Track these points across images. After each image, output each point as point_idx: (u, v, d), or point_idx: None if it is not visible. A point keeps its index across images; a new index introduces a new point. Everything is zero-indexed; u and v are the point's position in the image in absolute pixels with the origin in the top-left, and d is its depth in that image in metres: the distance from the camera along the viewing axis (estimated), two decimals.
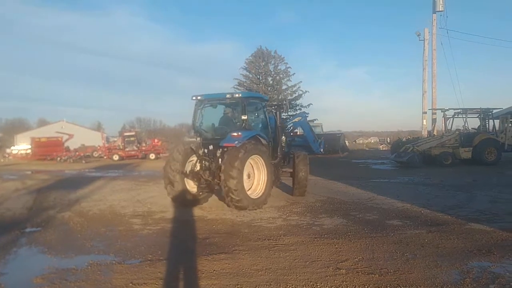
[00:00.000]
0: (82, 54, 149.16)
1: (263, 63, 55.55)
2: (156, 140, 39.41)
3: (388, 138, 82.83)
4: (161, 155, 36.03)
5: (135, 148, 35.29)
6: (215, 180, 9.87)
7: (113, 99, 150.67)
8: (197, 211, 9.50)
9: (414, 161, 19.77)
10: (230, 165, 9.08)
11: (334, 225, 7.72)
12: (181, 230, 7.65)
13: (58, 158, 33.80)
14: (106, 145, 39.68)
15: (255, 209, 9.41)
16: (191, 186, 10.28)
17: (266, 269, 5.23)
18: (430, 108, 25.38)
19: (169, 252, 6.13)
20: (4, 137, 74.26)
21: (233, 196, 9.11)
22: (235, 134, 9.76)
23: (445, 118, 22.24)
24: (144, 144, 37.98)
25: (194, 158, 10.36)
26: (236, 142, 9.51)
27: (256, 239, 6.81)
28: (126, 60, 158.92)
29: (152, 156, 34.64)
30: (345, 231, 7.18)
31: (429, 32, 25.59)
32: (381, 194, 11.31)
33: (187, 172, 10.16)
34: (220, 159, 9.87)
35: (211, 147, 10.38)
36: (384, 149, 61.29)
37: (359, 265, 5.29)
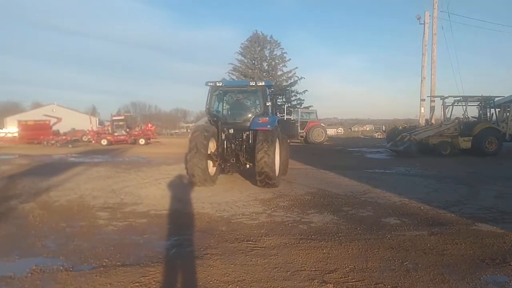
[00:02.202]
0: (79, 37, 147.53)
1: (259, 48, 54.44)
2: (150, 125, 38.37)
3: (384, 126, 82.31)
4: (151, 140, 35.07)
5: (124, 132, 34.19)
6: (243, 161, 10.94)
7: (108, 83, 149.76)
8: (173, 204, 8.62)
9: (410, 151, 18.92)
10: (268, 146, 9.94)
11: (323, 223, 6.85)
12: (149, 227, 6.74)
13: (45, 142, 32.72)
14: (95, 129, 38.56)
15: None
16: (211, 168, 10.90)
17: (238, 281, 4.36)
18: (429, 95, 24.46)
19: (128, 256, 5.23)
20: None
21: (269, 175, 10.01)
22: (263, 118, 10.75)
23: (444, 106, 21.35)
24: (137, 129, 36.90)
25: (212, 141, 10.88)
26: (268, 126, 10.41)
27: (233, 239, 5.93)
28: (122, 44, 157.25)
29: (141, 141, 33.60)
30: (335, 231, 6.32)
31: (429, 15, 24.50)
32: (377, 187, 10.45)
33: (212, 155, 10.82)
34: (247, 142, 11.06)
35: (231, 130, 11.23)
36: (379, 137, 60.68)
37: (349, 277, 4.42)
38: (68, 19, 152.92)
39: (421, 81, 24.49)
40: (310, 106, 42.42)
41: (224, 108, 12.28)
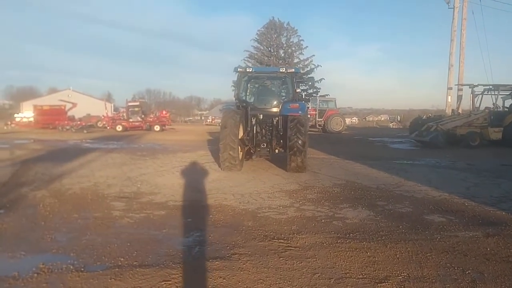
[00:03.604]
0: (96, 25, 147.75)
1: (275, 35, 53.50)
2: (164, 112, 37.94)
3: (399, 116, 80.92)
4: (166, 127, 34.61)
5: (139, 119, 33.76)
6: (274, 146, 11.11)
7: (124, 70, 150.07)
8: (193, 194, 8.03)
9: (437, 141, 18.05)
10: (300, 132, 10.10)
11: (359, 220, 6.18)
12: (168, 220, 6.14)
13: (60, 127, 32.46)
14: (110, 115, 38.24)
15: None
16: (240, 153, 10.81)
17: None
18: (457, 83, 23.38)
19: (147, 254, 4.63)
20: (14, 105, 73.67)
21: (300, 160, 10.18)
22: (293, 104, 10.81)
23: (473, 95, 20.34)
24: (152, 115, 36.50)
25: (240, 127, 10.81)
26: (300, 112, 10.53)
27: (262, 237, 5.30)
28: (138, 32, 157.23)
29: (157, 127, 33.15)
30: (375, 230, 5.65)
31: None
32: (409, 179, 9.74)
33: (243, 140, 10.87)
34: (277, 127, 11.17)
35: (261, 116, 11.29)
36: (394, 127, 59.46)
37: (406, 287, 3.76)
38: (86, 6, 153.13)
39: (449, 68, 23.43)
40: (327, 95, 41.52)
41: (253, 93, 12.48)
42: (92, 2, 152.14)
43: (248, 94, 12.30)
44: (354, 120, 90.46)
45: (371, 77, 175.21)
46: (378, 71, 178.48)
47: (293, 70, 11.79)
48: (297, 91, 11.46)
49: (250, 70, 11.91)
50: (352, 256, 4.56)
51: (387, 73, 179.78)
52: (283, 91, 12.62)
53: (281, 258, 4.52)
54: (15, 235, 5.35)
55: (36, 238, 5.23)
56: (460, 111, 22.93)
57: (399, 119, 76.92)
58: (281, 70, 11.79)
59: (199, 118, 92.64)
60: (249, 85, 12.35)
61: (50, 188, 8.46)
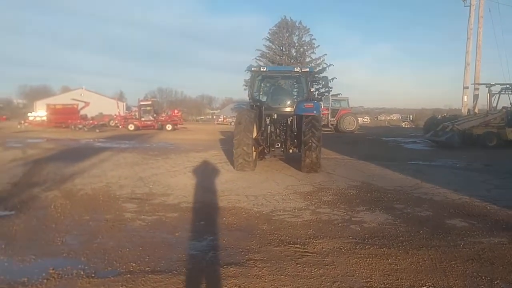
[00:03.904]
0: (108, 24, 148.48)
1: (287, 34, 53.18)
2: (176, 111, 37.92)
3: (411, 116, 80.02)
4: (178, 126, 34.58)
5: (151, 118, 33.78)
6: (289, 146, 11.05)
7: (136, 69, 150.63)
8: (206, 195, 7.88)
9: (453, 141, 17.69)
10: (314, 132, 10.00)
11: (378, 224, 5.98)
12: (182, 223, 6.00)
13: (72, 126, 32.60)
14: (122, 114, 38.34)
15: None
16: (253, 153, 10.67)
17: None
18: (473, 83, 22.93)
19: (159, 259, 4.49)
20: (27, 104, 74.44)
21: (315, 160, 10.09)
22: (308, 104, 10.75)
23: (490, 95, 19.91)
24: (164, 114, 36.51)
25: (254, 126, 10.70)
26: (314, 111, 10.49)
27: (277, 241, 5.13)
28: (150, 30, 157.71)
29: (169, 127, 33.13)
30: (394, 234, 5.44)
31: None
32: (427, 181, 9.48)
33: (258, 139, 10.81)
34: (291, 127, 11.11)
35: (275, 115, 11.23)
36: (406, 126, 58.73)
37: None
38: (100, 5, 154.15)
39: (465, 67, 22.93)
40: (339, 94, 41.15)
41: (267, 93, 12.40)
42: (105, 1, 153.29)
43: (262, 93, 12.23)
44: (365, 120, 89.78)
45: (383, 76, 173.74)
46: (390, 70, 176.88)
47: (307, 69, 11.73)
48: (311, 90, 11.43)
49: (264, 70, 11.85)
50: (372, 264, 4.37)
51: (399, 72, 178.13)
52: (297, 90, 12.48)
53: (298, 265, 4.34)
54: (25, 237, 5.25)
55: (47, 241, 5.12)
56: (476, 110, 22.50)
57: (411, 119, 76.13)
58: (295, 70, 11.71)
59: (210, 117, 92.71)
60: (263, 84, 12.28)
61: (61, 188, 8.38)
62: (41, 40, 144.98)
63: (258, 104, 11.41)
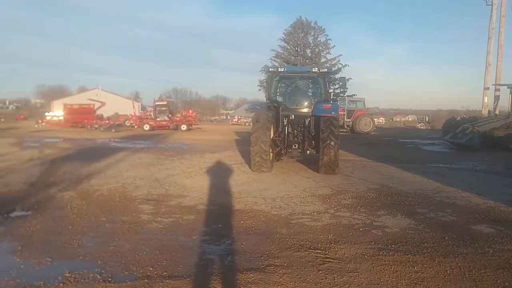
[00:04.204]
0: (125, 25, 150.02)
1: (302, 35, 52.86)
2: (190, 111, 37.95)
3: (427, 117, 78.97)
4: (193, 126, 34.59)
5: (167, 118, 33.83)
6: (306, 147, 10.91)
7: (151, 70, 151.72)
8: (222, 197, 7.76)
9: (474, 143, 17.29)
10: (333, 133, 9.91)
11: (400, 229, 5.79)
12: (198, 225, 5.89)
13: (89, 126, 32.84)
14: (137, 114, 38.51)
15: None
16: (271, 153, 10.47)
17: None
18: (494, 83, 22.41)
19: (177, 264, 4.38)
20: (45, 104, 75.49)
21: (333, 162, 9.96)
22: (326, 105, 10.64)
23: None
24: (178, 115, 36.57)
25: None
26: (333, 112, 10.36)
27: (297, 246, 4.99)
28: (166, 31, 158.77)
29: (183, 127, 33.10)
30: (419, 240, 5.25)
31: None
32: (448, 184, 9.23)
33: (275, 140, 10.64)
34: (309, 128, 10.89)
35: (292, 116, 11.09)
36: (422, 127, 57.91)
37: None
38: (114, 6, 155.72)
39: (486, 68, 22.43)
40: (354, 95, 40.73)
41: (284, 94, 12.26)
42: (121, 2, 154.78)
43: (279, 94, 12.12)
44: (381, 120, 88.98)
45: (398, 77, 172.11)
46: (406, 71, 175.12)
47: (325, 70, 11.64)
48: (329, 91, 11.27)
49: (282, 70, 11.67)
50: (397, 271, 4.20)
51: (415, 72, 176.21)
52: (314, 91, 12.35)
53: (320, 272, 4.19)
54: (42, 239, 5.20)
55: (63, 243, 5.05)
56: (497, 112, 22.00)
57: (427, 120, 75.15)
58: (313, 70, 11.59)
59: (224, 117, 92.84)
60: (280, 85, 12.15)
61: (78, 189, 8.35)
62: (59, 41, 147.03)
63: (276, 104, 11.31)
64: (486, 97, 22.51)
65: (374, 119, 38.23)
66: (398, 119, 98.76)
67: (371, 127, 31.05)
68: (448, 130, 21.61)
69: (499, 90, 22.32)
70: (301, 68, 12.37)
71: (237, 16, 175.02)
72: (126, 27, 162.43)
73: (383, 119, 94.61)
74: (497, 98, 22.55)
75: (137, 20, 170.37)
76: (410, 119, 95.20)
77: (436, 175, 10.64)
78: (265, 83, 51.06)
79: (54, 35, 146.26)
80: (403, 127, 57.62)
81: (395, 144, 21.72)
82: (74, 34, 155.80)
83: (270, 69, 11.67)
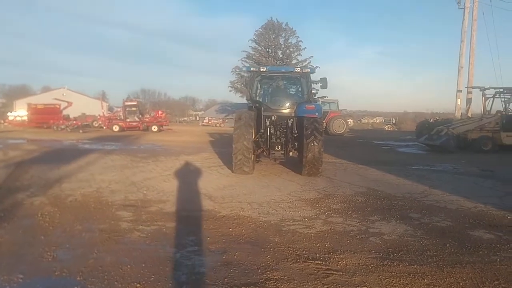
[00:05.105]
0: (90, 24, 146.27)
1: (273, 36, 52.75)
2: (160, 112, 37.15)
3: (394, 119, 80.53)
4: (164, 127, 33.85)
5: (137, 119, 32.95)
6: (289, 148, 10.60)
7: (118, 69, 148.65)
8: (205, 202, 7.32)
9: (449, 145, 17.42)
10: (316, 134, 9.68)
11: (398, 236, 5.52)
12: (184, 234, 5.43)
13: (55, 127, 31.62)
14: (106, 114, 37.40)
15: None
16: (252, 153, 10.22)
17: None
18: (467, 86, 22.76)
19: (166, 279, 3.94)
20: (6, 103, 72.48)
21: (317, 163, 9.83)
22: (309, 106, 10.49)
23: (485, 98, 19.76)
24: (148, 116, 35.73)
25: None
26: (316, 113, 10.19)
27: (295, 257, 4.63)
28: (133, 31, 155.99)
29: (154, 128, 32.34)
30: (420, 248, 4.98)
31: None
32: (434, 187, 9.12)
33: (258, 142, 10.58)
34: (292, 129, 10.64)
35: (274, 117, 10.91)
36: (389, 129, 58.85)
37: None
38: (81, 4, 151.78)
39: (458, 70, 22.70)
40: (325, 96, 40.85)
41: (266, 94, 12.09)
42: (88, 1, 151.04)
43: (261, 94, 11.93)
44: (350, 122, 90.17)
45: (366, 80, 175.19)
46: (374, 74, 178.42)
47: (308, 70, 11.44)
48: (312, 91, 11.11)
49: (264, 70, 11.40)
50: (408, 284, 3.90)
51: (383, 75, 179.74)
52: (297, 91, 12.17)
53: (325, 286, 3.85)
54: (11, 252, 4.64)
55: (35, 256, 4.51)
56: (469, 114, 22.38)
57: (394, 122, 76.72)
58: (296, 70, 11.41)
59: (194, 118, 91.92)
60: (262, 85, 11.95)
61: (48, 194, 7.74)
62: (21, 39, 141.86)
63: (257, 105, 11.01)
64: (459, 100, 22.85)
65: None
66: (366, 121, 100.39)
67: (344, 128, 31.19)
68: (421, 132, 21.82)
69: (471, 92, 22.72)
70: (284, 68, 12.21)
71: (207, 17, 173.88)
72: (92, 26, 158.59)
73: (351, 120, 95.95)
74: (469, 101, 22.93)
75: (104, 19, 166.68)
76: (377, 121, 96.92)
77: (419, 177, 10.53)
78: (236, 84, 50.72)
79: (16, 33, 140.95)
80: (371, 129, 58.39)
81: (370, 146, 21.78)
82: (37, 32, 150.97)
83: (252, 69, 11.50)
